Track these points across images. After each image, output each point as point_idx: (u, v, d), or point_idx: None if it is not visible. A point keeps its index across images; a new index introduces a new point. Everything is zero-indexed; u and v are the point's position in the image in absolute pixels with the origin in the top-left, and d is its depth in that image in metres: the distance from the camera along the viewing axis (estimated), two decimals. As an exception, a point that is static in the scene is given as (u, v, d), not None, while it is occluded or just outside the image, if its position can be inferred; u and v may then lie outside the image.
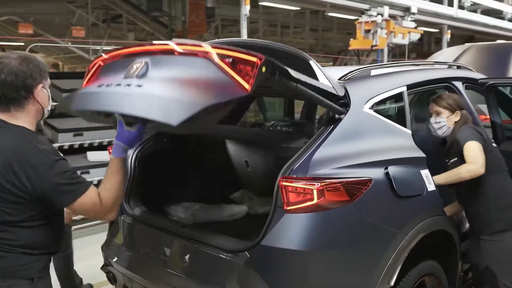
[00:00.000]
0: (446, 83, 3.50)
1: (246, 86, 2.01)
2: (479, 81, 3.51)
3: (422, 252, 2.79)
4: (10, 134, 1.93)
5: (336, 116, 2.63)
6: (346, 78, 2.88)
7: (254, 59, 2.03)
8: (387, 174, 2.58)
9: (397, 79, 3.15)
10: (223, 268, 2.54)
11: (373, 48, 8.04)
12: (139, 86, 2.06)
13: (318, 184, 2.30)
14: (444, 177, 2.92)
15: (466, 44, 6.40)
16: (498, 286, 2.92)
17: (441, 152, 3.09)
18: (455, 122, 3.07)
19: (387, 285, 2.51)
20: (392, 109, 3.19)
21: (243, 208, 3.47)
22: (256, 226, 3.23)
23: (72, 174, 1.94)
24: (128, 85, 2.08)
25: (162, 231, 2.95)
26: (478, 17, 11.17)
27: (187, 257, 2.72)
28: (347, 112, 2.64)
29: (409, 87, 3.12)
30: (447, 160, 3.06)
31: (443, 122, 3.06)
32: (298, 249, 2.31)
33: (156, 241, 2.93)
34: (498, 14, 13.10)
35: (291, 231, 2.34)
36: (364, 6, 7.75)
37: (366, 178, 2.48)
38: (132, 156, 3.30)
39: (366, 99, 2.81)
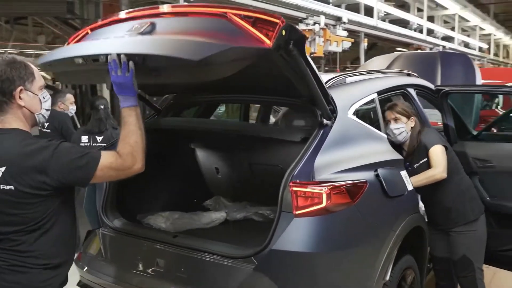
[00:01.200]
0: (402, 90, 3.76)
1: (267, 41, 2.08)
2: (435, 88, 3.82)
3: (402, 247, 3.00)
4: (7, 139, 1.89)
5: (325, 122, 2.74)
6: (327, 86, 3.01)
7: (277, 20, 2.12)
8: (377, 176, 2.74)
9: (369, 86, 3.34)
10: (228, 275, 2.55)
11: (311, 55, 8.38)
12: (149, 34, 2.03)
13: (326, 188, 2.40)
14: (414, 181, 3.12)
15: (395, 53, 6.88)
16: (474, 271, 3.21)
17: (404, 157, 3.27)
18: (412, 128, 3.29)
19: (383, 280, 2.67)
20: (368, 115, 3.38)
21: (221, 214, 3.48)
22: (242, 232, 3.30)
23: (79, 149, 1.95)
24: (134, 35, 2.06)
25: (152, 242, 2.88)
26: (393, 28, 12.01)
27: (185, 267, 2.69)
28: (335, 118, 2.78)
29: (379, 93, 3.33)
30: (413, 165, 3.22)
31: (403, 127, 3.25)
32: (309, 251, 2.39)
33: (147, 253, 2.86)
34: (405, 23, 14.12)
35: (301, 234, 2.41)
36: (302, 15, 8.07)
37: (362, 181, 2.62)
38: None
39: (349, 105, 2.96)
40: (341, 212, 2.47)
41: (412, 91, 3.81)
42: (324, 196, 2.39)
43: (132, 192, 3.35)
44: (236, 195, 3.81)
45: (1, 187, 1.83)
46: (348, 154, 2.73)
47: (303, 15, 8.11)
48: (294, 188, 2.40)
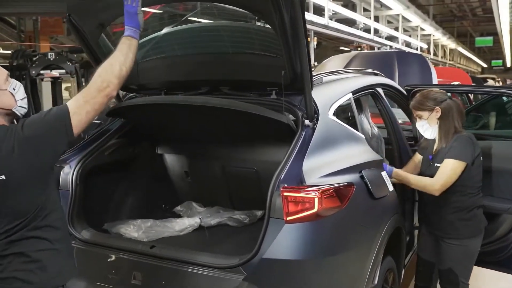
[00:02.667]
0: (372, 89, 3.74)
1: None
2: (405, 87, 3.82)
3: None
4: None
5: (307, 123, 2.65)
6: None
7: None
8: (362, 177, 2.69)
9: (344, 86, 3.29)
10: (215, 286, 2.41)
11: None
12: None
13: (317, 193, 2.31)
14: (413, 181, 3.04)
15: (352, 52, 6.92)
16: (457, 284, 3.10)
17: (429, 148, 3.15)
18: (438, 119, 3.03)
19: (371, 284, 2.62)
20: (346, 115, 3.33)
21: (195, 221, 3.32)
22: (219, 238, 3.15)
23: (43, 111, 1.89)
24: None
25: (127, 253, 2.69)
26: (343, 27, 12.19)
27: (167, 280, 2.52)
28: (317, 118, 2.70)
29: (353, 93, 3.28)
30: (435, 162, 3.04)
31: (426, 124, 3.07)
32: (302, 258, 2.30)
33: (122, 266, 2.67)
34: (351, 23, 14.38)
35: (293, 241, 2.31)
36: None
37: (349, 183, 2.56)
38: (72, 174, 2.97)
39: (329, 105, 2.89)
40: (331, 216, 2.39)
41: (380, 90, 3.80)
42: (316, 200, 2.30)
43: (96, 199, 3.15)
44: (207, 200, 3.66)
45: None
46: (333, 156, 2.66)
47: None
48: (286, 194, 2.30)
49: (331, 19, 12.50)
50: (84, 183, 3.00)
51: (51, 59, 6.11)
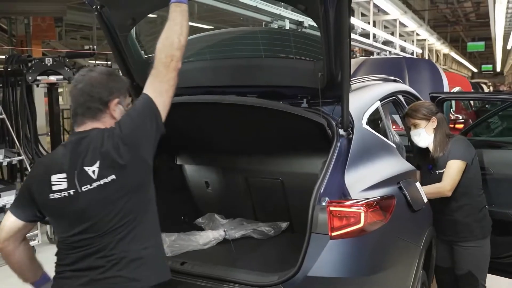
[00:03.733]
0: (394, 97, 3.66)
1: None
2: (430, 94, 3.74)
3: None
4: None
5: (341, 132, 2.55)
6: None
7: None
8: (400, 189, 2.60)
9: (372, 93, 3.19)
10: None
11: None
12: None
13: (363, 207, 2.22)
14: (426, 191, 3.00)
15: (360, 58, 6.84)
16: (477, 286, 3.13)
17: (427, 159, 3.18)
18: (434, 129, 3.13)
19: None
20: (375, 124, 3.24)
21: (219, 233, 3.20)
22: (246, 252, 3.03)
23: (129, 110, 1.92)
24: None
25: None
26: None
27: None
28: (352, 128, 2.60)
29: (380, 100, 3.19)
30: (436, 170, 3.11)
31: (423, 133, 3.13)
32: (347, 276, 2.20)
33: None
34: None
35: (338, 258, 2.21)
36: (267, 19, 7.90)
37: (391, 196, 2.46)
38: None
39: (361, 114, 2.80)
40: (375, 231, 2.30)
41: (401, 97, 3.73)
42: (363, 215, 2.20)
43: None
44: (229, 211, 3.54)
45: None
46: (371, 167, 2.57)
47: (268, 19, 7.97)
48: (332, 208, 2.19)
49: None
50: None
51: (48, 64, 5.92)
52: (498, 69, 39.93)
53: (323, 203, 2.23)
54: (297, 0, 2.37)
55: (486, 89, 21.30)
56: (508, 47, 25.09)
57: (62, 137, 7.24)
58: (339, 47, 2.33)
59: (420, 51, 22.88)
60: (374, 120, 3.21)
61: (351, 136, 2.55)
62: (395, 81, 4.18)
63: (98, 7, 2.59)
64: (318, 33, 2.34)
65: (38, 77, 5.87)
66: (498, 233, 3.58)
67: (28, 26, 12.99)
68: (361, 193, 2.32)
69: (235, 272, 2.42)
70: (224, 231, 3.24)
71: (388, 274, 2.36)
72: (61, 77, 5.92)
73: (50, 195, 1.81)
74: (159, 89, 1.86)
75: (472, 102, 9.83)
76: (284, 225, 3.33)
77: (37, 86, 6.20)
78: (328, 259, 2.20)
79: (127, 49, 2.83)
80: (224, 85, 2.94)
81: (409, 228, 2.61)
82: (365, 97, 3.05)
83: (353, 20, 12.99)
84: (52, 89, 6.16)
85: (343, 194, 2.27)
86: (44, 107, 7.64)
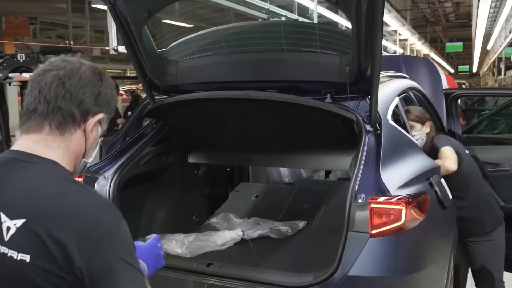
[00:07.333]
0: (406, 93, 3.62)
1: None
2: (443, 91, 3.70)
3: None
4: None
5: (368, 128, 2.49)
6: None
7: None
8: (431, 185, 2.54)
9: (391, 89, 3.14)
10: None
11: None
12: None
13: (404, 204, 2.15)
14: None
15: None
16: (494, 283, 3.10)
17: None
18: (427, 133, 3.16)
19: None
20: (396, 120, 3.18)
21: (237, 233, 3.09)
22: (268, 252, 2.93)
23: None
24: None
25: (181, 273, 2.46)
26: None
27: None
28: (379, 123, 2.54)
29: (398, 96, 3.14)
30: None
31: (418, 135, 3.12)
32: (388, 275, 2.14)
33: (180, 286, 2.43)
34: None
35: (379, 257, 2.14)
36: (263, 16, 7.83)
37: (425, 192, 2.40)
38: (109, 186, 2.72)
39: (386, 109, 2.74)
40: (414, 228, 2.23)
41: (412, 94, 3.69)
42: (404, 212, 2.13)
43: (128, 212, 2.89)
44: (243, 211, 3.44)
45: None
46: (402, 164, 2.51)
47: (264, 16, 7.91)
48: (373, 205, 2.11)
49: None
50: (120, 196, 2.76)
51: (21, 60, 5.61)
52: (475, 70, 40.61)
53: (359, 200, 2.16)
54: None
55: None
56: (488, 48, 25.49)
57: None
58: (371, 41, 2.27)
59: (401, 50, 23.07)
60: (394, 116, 3.15)
61: (378, 131, 2.49)
62: (404, 77, 4.15)
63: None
64: (344, 27, 2.27)
65: (10, 74, 5.56)
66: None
67: (0, 23, 12.40)
68: (398, 190, 2.26)
69: (265, 273, 2.33)
70: (242, 231, 3.14)
71: (427, 272, 2.31)
72: None
73: None
74: None
75: (459, 101, 9.91)
76: (301, 224, 3.25)
77: (9, 84, 5.91)
78: (369, 258, 2.13)
79: (141, 43, 2.71)
80: (242, 80, 2.85)
81: (443, 225, 2.56)
82: (385, 92, 2.99)
83: (336, 18, 13.04)
84: (25, 87, 5.86)
85: (380, 191, 2.20)
86: (17, 107, 7.29)
